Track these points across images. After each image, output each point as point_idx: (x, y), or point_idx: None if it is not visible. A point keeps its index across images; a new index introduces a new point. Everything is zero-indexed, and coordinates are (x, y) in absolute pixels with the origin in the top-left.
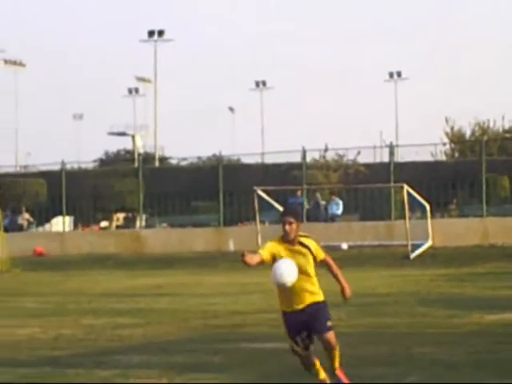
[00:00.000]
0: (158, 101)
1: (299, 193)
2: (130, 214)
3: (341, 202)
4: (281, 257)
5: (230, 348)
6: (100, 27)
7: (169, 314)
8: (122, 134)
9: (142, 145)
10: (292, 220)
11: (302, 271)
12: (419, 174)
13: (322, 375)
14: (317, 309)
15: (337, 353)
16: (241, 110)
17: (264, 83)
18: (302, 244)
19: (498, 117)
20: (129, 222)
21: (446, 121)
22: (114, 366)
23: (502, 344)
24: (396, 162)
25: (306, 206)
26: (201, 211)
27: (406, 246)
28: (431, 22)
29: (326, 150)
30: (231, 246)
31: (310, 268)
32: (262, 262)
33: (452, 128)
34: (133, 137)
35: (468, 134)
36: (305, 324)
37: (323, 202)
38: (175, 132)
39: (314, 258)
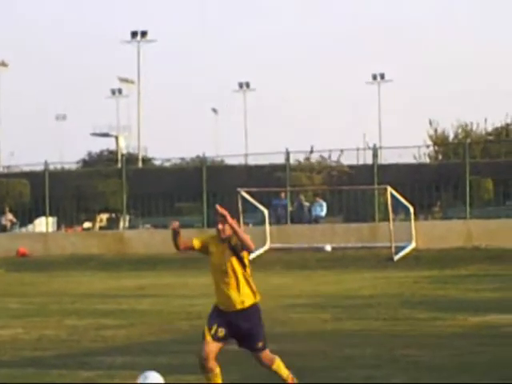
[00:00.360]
0: (141, 102)
1: (283, 195)
2: (113, 215)
3: (324, 204)
4: (209, 250)
5: None
6: (83, 28)
7: (152, 315)
8: (105, 134)
9: (125, 146)
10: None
11: (228, 270)
12: (403, 176)
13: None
14: (250, 326)
15: (276, 367)
16: (224, 111)
17: (247, 84)
18: (230, 243)
19: (481, 119)
20: (112, 223)
21: (430, 123)
22: (98, 367)
23: (486, 346)
24: (379, 164)
25: (290, 207)
26: (184, 212)
27: (390, 247)
28: (414, 23)
29: (312, 151)
30: None
31: (238, 267)
32: (191, 248)
33: (436, 130)
34: (116, 138)
35: (451, 136)
36: (234, 330)
37: (307, 204)
38: (158, 133)
39: (242, 256)
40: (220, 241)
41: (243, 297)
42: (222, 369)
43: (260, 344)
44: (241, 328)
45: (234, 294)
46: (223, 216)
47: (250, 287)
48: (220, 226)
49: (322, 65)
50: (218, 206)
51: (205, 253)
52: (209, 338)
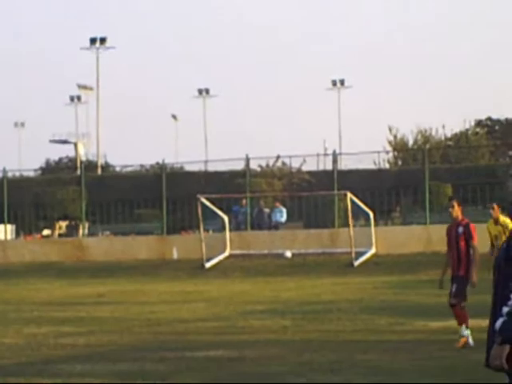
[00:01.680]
0: (100, 108)
1: (244, 201)
2: (72, 222)
3: (284, 210)
4: None
5: (174, 356)
6: (42, 34)
7: (112, 323)
8: (65, 141)
9: (84, 152)
10: None
11: None
12: (363, 181)
13: None
14: None
15: None
16: (184, 117)
17: (207, 91)
18: None
19: (440, 125)
20: (71, 230)
21: (389, 129)
22: (57, 375)
23: (446, 351)
24: (339, 169)
25: (250, 214)
26: (144, 219)
27: (350, 253)
28: (374, 30)
29: (278, 157)
30: (175, 255)
31: None
32: None
33: (395, 136)
34: (75, 144)
35: (411, 142)
36: None
37: (267, 210)
38: (118, 140)
39: None
40: None
41: None
42: (186, 375)
43: None
44: None
45: None
46: None
47: None
48: None
49: (282, 70)
50: None
51: None
52: None
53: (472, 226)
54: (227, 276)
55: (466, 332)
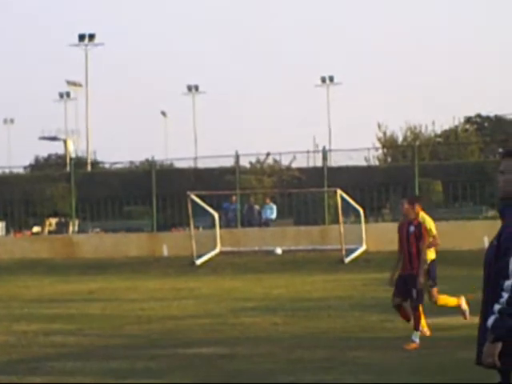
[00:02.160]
0: (89, 105)
1: (234, 198)
2: (62, 219)
3: (275, 207)
4: None
5: (166, 353)
6: (30, 30)
7: (102, 320)
8: (54, 138)
9: (73, 149)
10: None
11: None
12: (353, 178)
13: None
14: None
15: None
16: (173, 114)
17: (196, 88)
18: None
19: (429, 122)
20: (61, 227)
21: (379, 126)
22: (48, 373)
23: (437, 348)
24: (329, 166)
25: (240, 211)
26: (134, 216)
27: (340, 250)
28: (363, 26)
29: (268, 154)
30: (165, 252)
31: None
32: None
33: (384, 133)
34: (64, 141)
35: (400, 139)
36: None
37: (257, 207)
38: (107, 136)
39: None
40: None
41: None
42: (179, 373)
43: None
44: None
45: None
46: None
47: None
48: None
49: (272, 67)
50: None
51: None
52: None
53: (424, 226)
54: (218, 273)
55: (418, 339)
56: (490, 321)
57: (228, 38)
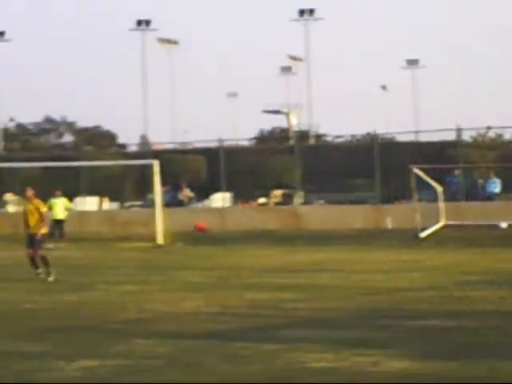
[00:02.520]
0: (310, 79)
1: (456, 172)
2: (287, 191)
3: (498, 181)
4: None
5: (393, 324)
6: (253, 6)
7: (331, 290)
8: (277, 112)
9: (296, 123)
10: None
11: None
12: None
13: None
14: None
15: None
16: (393, 88)
17: (416, 62)
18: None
19: None
20: (287, 199)
21: None
22: (280, 341)
23: None
24: None
25: (462, 185)
26: (357, 189)
27: None
28: None
29: (489, 128)
30: (389, 224)
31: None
32: None
33: None
34: (287, 115)
35: None
36: None
37: (480, 181)
38: (328, 110)
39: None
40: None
41: None
42: (406, 344)
43: None
44: None
45: None
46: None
47: None
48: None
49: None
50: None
51: None
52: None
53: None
54: (441, 246)
55: None
56: None
57: (448, 11)
